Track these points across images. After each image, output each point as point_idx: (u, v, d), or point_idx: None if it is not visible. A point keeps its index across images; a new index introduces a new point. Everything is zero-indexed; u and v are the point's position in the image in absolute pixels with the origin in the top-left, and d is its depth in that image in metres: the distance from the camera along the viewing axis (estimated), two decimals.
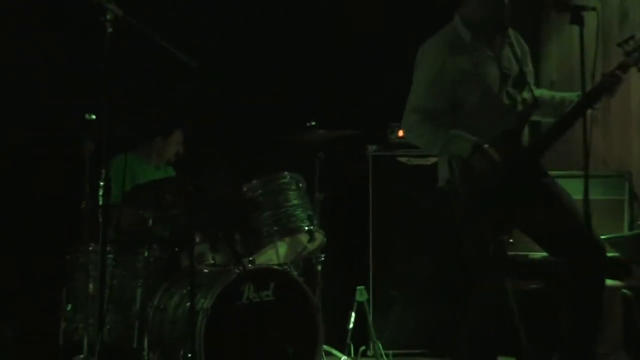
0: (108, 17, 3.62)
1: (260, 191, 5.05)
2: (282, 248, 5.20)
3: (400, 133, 6.40)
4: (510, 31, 4.30)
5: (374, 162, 6.35)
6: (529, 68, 4.40)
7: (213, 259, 5.10)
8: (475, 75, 4.19)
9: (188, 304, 4.60)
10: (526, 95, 4.28)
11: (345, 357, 5.67)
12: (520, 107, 4.25)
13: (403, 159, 6.39)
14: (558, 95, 4.41)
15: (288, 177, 5.10)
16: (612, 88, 4.13)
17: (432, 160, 6.37)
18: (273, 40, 6.13)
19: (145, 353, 4.81)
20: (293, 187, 5.09)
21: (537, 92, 4.37)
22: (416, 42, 4.42)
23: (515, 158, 4.13)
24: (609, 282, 5.34)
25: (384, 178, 6.36)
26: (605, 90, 4.14)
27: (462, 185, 4.14)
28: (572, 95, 4.34)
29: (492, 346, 4.25)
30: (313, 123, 5.39)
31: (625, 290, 5.48)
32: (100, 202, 4.08)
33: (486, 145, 4.03)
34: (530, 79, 4.36)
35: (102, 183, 3.94)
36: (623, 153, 6.03)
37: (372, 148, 6.33)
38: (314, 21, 6.31)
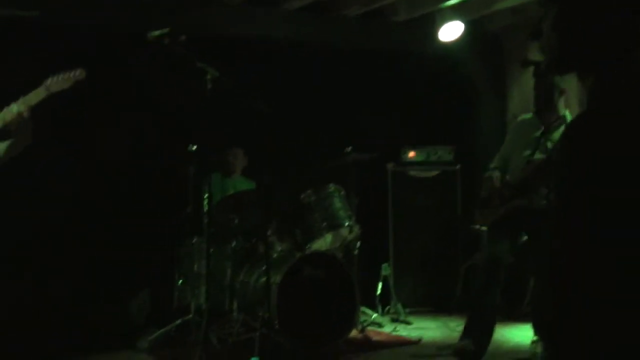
0: (208, 76, 3.68)
1: (313, 198, 5.07)
2: (329, 239, 5.21)
3: (411, 154, 6.42)
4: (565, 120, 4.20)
5: (391, 175, 6.37)
6: None
7: (280, 247, 5.11)
8: (515, 150, 4.42)
9: (263, 279, 4.67)
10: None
11: (376, 314, 5.67)
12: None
13: (413, 173, 6.41)
14: None
15: (333, 187, 5.11)
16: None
17: (433, 173, 6.43)
18: (324, 95, 6.17)
19: (234, 313, 4.86)
20: (336, 194, 5.10)
21: None
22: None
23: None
24: None
25: (399, 186, 6.38)
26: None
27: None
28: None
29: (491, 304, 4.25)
30: (349, 148, 5.41)
31: None
32: (206, 209, 4.13)
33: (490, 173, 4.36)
34: None
35: (206, 195, 3.96)
36: None
37: (390, 165, 6.35)
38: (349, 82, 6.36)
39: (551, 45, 1.81)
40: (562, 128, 4.12)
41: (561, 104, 4.21)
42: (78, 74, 3.50)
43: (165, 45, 3.57)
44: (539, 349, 4.01)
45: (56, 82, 3.48)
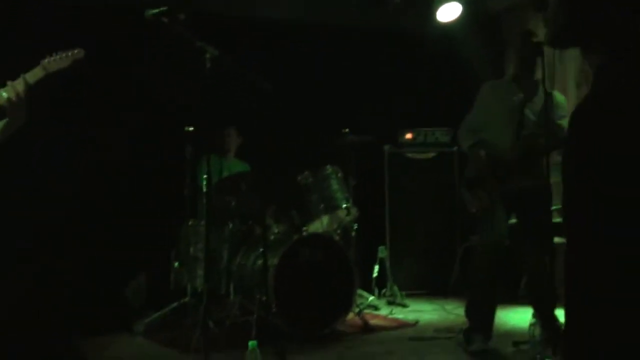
0: (207, 55, 3.60)
1: (310, 179, 5.02)
2: (326, 220, 5.16)
3: (408, 136, 6.37)
4: (541, 86, 4.08)
5: (388, 157, 6.34)
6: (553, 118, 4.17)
7: (277, 229, 5.06)
8: (502, 113, 4.20)
9: (259, 261, 4.62)
10: (534, 128, 4.18)
11: (372, 297, 5.65)
12: (526, 132, 4.17)
13: (409, 155, 6.37)
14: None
15: (330, 169, 5.06)
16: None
17: (430, 155, 6.39)
18: (321, 76, 6.11)
19: (231, 296, 4.83)
20: (334, 176, 5.05)
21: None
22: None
23: (509, 174, 4.13)
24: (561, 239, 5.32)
25: (396, 168, 6.35)
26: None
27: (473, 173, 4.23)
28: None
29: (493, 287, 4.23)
30: (347, 130, 5.35)
31: None
32: (204, 190, 4.08)
33: (478, 150, 4.12)
34: (541, 119, 4.13)
35: (204, 176, 3.89)
36: None
37: (387, 147, 6.31)
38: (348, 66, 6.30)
39: (557, 16, 1.76)
40: (541, 93, 4.09)
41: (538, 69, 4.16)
42: (76, 52, 3.42)
43: (164, 24, 3.50)
44: (537, 331, 3.99)
45: (54, 62, 3.40)
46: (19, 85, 3.29)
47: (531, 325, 4.27)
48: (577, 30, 1.74)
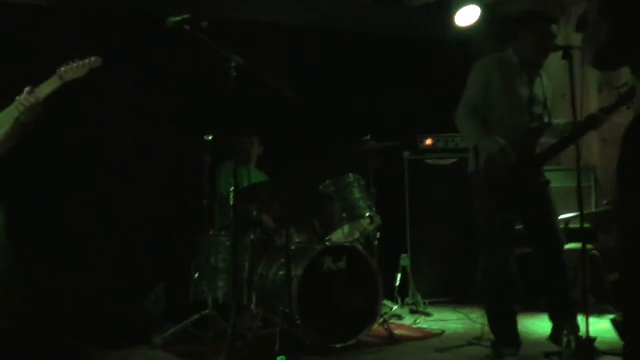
0: (233, 64, 3.52)
1: (332, 188, 4.91)
2: (346, 230, 5.08)
3: (428, 142, 6.28)
4: (543, 70, 4.13)
5: (409, 164, 6.24)
6: (549, 99, 4.19)
7: (299, 239, 4.97)
8: (511, 89, 4.04)
9: (281, 272, 4.54)
10: (543, 117, 4.13)
11: (396, 306, 5.55)
12: (536, 124, 4.10)
13: (429, 161, 6.28)
14: (555, 121, 4.24)
15: (352, 177, 4.95)
16: (597, 126, 4.03)
17: (450, 161, 6.29)
18: (342, 84, 6.03)
19: (253, 308, 4.73)
20: (356, 184, 4.94)
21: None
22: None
23: (526, 162, 3.99)
24: (580, 245, 5.24)
25: (416, 175, 6.25)
26: (593, 127, 4.03)
27: (484, 173, 3.98)
28: (566, 121, 4.19)
29: (511, 294, 4.12)
30: (368, 137, 5.26)
31: (594, 251, 5.37)
32: (232, 202, 4.01)
33: (509, 149, 3.88)
34: (549, 107, 4.18)
35: (231, 189, 3.81)
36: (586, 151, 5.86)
37: (407, 154, 6.21)
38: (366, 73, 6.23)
39: (599, 34, 1.66)
40: (545, 79, 4.10)
41: None
42: (94, 61, 3.36)
43: (187, 31, 3.42)
44: (572, 343, 3.88)
45: (71, 71, 3.34)
46: (31, 97, 3.23)
47: (564, 335, 4.18)
48: (620, 47, 1.65)
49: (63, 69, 3.35)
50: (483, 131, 3.96)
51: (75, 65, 3.35)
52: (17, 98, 3.27)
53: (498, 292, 4.11)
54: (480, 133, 3.97)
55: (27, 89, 3.27)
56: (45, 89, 3.31)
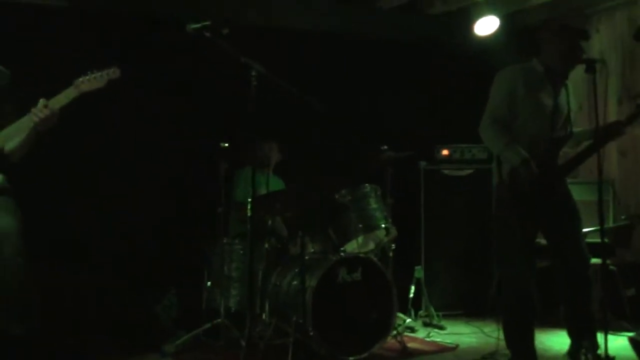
0: (253, 73, 3.47)
1: (348, 198, 4.86)
2: (361, 240, 5.01)
3: (444, 152, 6.21)
4: (568, 80, 4.08)
5: (425, 174, 6.17)
6: (573, 110, 4.14)
7: (313, 248, 4.92)
8: (534, 98, 3.96)
9: (294, 282, 4.49)
10: (566, 127, 4.07)
11: (409, 319, 5.49)
12: (559, 134, 4.03)
13: (445, 172, 6.21)
14: (577, 130, 4.18)
15: (369, 187, 4.90)
16: (615, 136, 4.00)
17: (466, 172, 6.23)
18: (360, 94, 6.00)
19: (265, 317, 4.68)
20: (372, 194, 4.89)
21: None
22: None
23: (549, 173, 3.92)
24: (597, 260, 5.17)
25: (432, 185, 6.18)
26: (611, 137, 3.97)
27: (508, 185, 3.91)
28: (587, 131, 4.18)
29: (530, 308, 4.04)
30: (385, 147, 5.20)
31: (611, 266, 5.30)
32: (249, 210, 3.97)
33: (531, 161, 3.82)
34: (572, 118, 4.12)
35: (249, 200, 3.77)
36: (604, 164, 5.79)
37: (423, 164, 6.14)
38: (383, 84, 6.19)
39: None
40: (570, 90, 4.06)
41: None
42: (112, 72, 3.30)
43: (207, 38, 3.38)
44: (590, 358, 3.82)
45: (88, 82, 3.29)
46: (45, 110, 3.19)
47: (582, 353, 4.11)
48: None
49: (80, 79, 3.29)
50: (506, 142, 3.88)
51: (93, 76, 3.29)
52: (32, 109, 3.23)
53: (517, 305, 4.03)
54: (503, 144, 3.88)
55: (41, 101, 3.23)
56: (61, 100, 3.26)
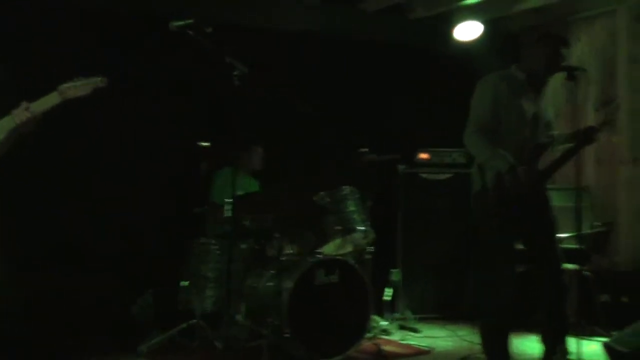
0: (236, 72, 3.44)
1: (327, 200, 4.86)
2: (338, 242, 5.00)
3: (423, 156, 6.23)
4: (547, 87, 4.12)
5: (404, 177, 6.18)
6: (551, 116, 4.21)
7: (291, 250, 4.90)
8: (517, 106, 3.98)
9: (270, 283, 4.47)
10: (548, 132, 4.11)
11: (385, 322, 5.49)
12: (542, 139, 4.06)
13: (424, 175, 6.23)
14: (555, 133, 4.22)
15: (348, 189, 4.90)
16: (590, 141, 4.04)
17: (445, 176, 6.25)
18: (339, 95, 5.99)
19: (241, 319, 4.66)
20: (351, 197, 4.90)
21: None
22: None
23: (533, 179, 3.95)
24: (574, 266, 5.22)
25: (411, 189, 6.19)
26: (588, 142, 4.02)
27: (492, 191, 3.93)
28: (562, 135, 4.22)
29: (509, 313, 4.06)
30: (366, 150, 5.20)
31: (585, 272, 5.34)
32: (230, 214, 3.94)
33: (519, 167, 3.84)
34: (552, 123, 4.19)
35: (228, 200, 3.75)
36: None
37: (402, 167, 6.15)
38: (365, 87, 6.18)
39: None
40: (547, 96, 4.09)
41: None
42: (99, 80, 3.25)
43: (190, 36, 3.35)
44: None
45: (73, 88, 3.22)
46: (26, 112, 3.15)
47: (555, 359, 4.13)
48: None
49: (66, 85, 3.22)
50: (492, 149, 3.89)
51: (79, 83, 3.22)
52: (12, 111, 3.18)
53: (496, 310, 4.05)
54: (489, 151, 3.90)
55: (23, 104, 3.18)
56: (43, 104, 3.21)
